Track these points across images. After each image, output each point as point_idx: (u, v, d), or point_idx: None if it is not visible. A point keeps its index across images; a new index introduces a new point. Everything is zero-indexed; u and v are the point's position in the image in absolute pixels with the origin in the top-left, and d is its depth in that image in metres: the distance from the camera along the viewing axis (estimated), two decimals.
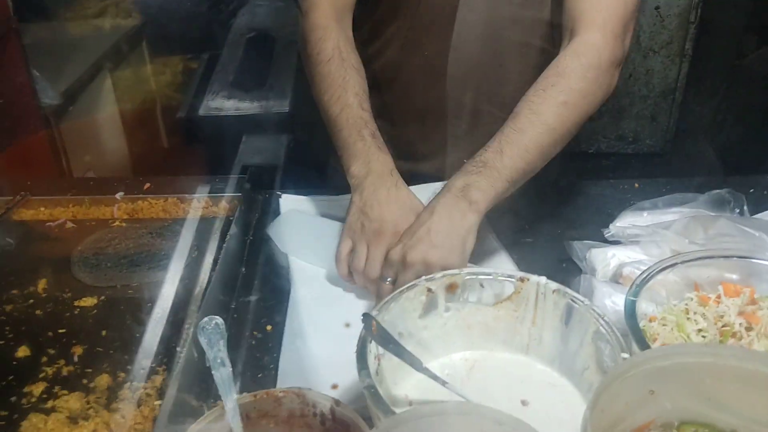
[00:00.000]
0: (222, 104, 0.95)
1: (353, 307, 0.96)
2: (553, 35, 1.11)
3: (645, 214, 1.07)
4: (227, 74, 1.09)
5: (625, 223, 1.06)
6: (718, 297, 0.83)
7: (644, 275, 0.81)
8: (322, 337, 0.90)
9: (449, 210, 0.89)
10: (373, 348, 0.74)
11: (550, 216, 1.16)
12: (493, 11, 1.10)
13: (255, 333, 0.92)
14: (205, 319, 0.78)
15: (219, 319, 0.76)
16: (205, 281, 0.94)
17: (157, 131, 1.36)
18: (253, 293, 0.99)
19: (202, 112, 0.95)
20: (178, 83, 1.45)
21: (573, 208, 1.19)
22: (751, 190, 1.17)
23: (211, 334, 0.74)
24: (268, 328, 0.93)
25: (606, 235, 1.06)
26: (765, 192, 1.19)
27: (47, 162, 1.46)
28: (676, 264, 0.83)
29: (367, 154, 0.97)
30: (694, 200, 1.08)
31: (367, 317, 0.74)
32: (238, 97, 0.95)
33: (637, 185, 1.24)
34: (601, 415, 0.59)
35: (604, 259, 0.99)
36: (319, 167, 1.20)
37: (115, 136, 1.41)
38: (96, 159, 1.40)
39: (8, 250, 1.05)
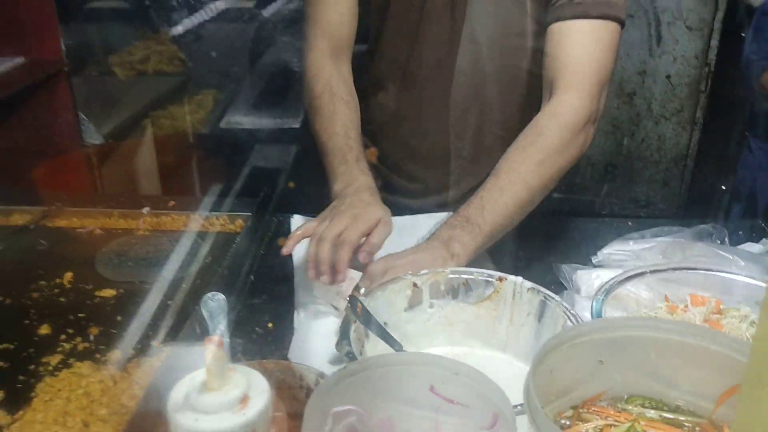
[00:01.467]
0: (241, 119, 1.06)
1: None
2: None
3: (631, 243, 1.13)
4: (249, 99, 1.21)
5: (611, 250, 1.13)
6: (686, 307, 0.88)
7: (612, 282, 0.87)
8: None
9: (433, 254, 0.95)
10: (359, 330, 0.81)
11: (545, 246, 1.22)
12: (487, 59, 1.21)
13: (257, 329, 1.00)
14: (209, 294, 0.86)
15: (221, 295, 0.84)
16: (215, 282, 1.02)
17: (185, 156, 1.49)
18: (258, 298, 1.07)
19: (222, 125, 1.06)
20: (209, 118, 1.59)
21: (566, 240, 1.25)
22: (740, 233, 1.23)
23: (213, 307, 0.82)
24: (270, 325, 1.00)
25: (594, 261, 1.13)
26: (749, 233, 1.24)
27: (83, 181, 1.59)
28: (644, 273, 0.89)
29: (349, 175, 1.06)
30: (679, 232, 1.14)
31: (353, 299, 0.81)
32: (255, 115, 1.06)
33: (630, 223, 1.30)
34: (549, 376, 0.65)
35: (589, 279, 1.05)
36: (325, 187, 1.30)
37: (147, 161, 1.54)
38: (129, 181, 1.54)
39: (40, 250, 1.15)
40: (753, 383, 0.42)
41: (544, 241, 1.24)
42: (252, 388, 0.53)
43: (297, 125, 1.02)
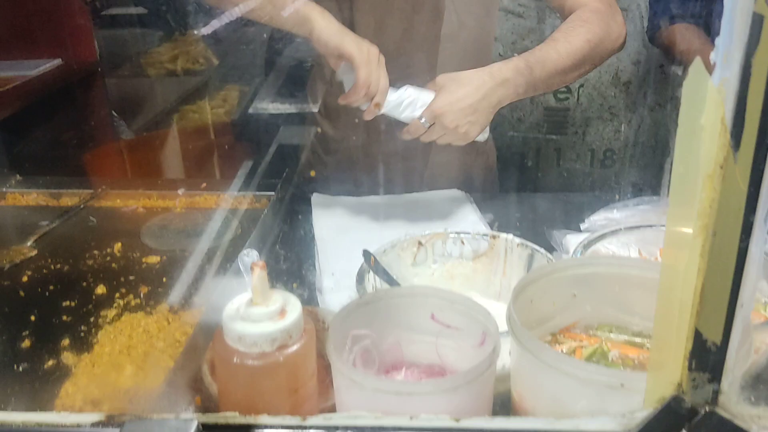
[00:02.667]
0: (267, 105, 1.20)
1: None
2: None
3: (615, 211, 1.26)
4: (272, 89, 1.35)
5: (598, 217, 1.26)
6: (656, 259, 1.01)
7: (589, 238, 1.01)
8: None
9: (486, 91, 1.14)
10: (371, 279, 0.95)
11: (542, 217, 1.36)
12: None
13: (284, 288, 1.14)
14: (245, 250, 1.01)
15: (255, 251, 0.99)
16: (245, 248, 1.16)
17: (213, 144, 1.63)
18: (283, 263, 1.21)
19: (251, 110, 1.20)
20: (233, 111, 1.74)
21: (560, 211, 1.39)
22: None
23: (248, 262, 0.97)
24: (294, 285, 1.14)
25: (581, 228, 1.26)
26: None
27: (123, 167, 1.74)
28: (619, 230, 1.02)
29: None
30: (658, 201, 1.27)
31: (366, 253, 0.95)
32: (280, 101, 1.20)
33: (617, 196, 1.43)
34: (530, 305, 0.78)
35: (576, 241, 1.18)
36: (343, 169, 1.44)
37: (179, 150, 1.69)
38: (165, 167, 1.70)
39: (91, 226, 1.30)
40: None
41: (541, 212, 1.38)
42: (288, 304, 0.67)
43: (315, 110, 1.16)
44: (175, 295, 1.03)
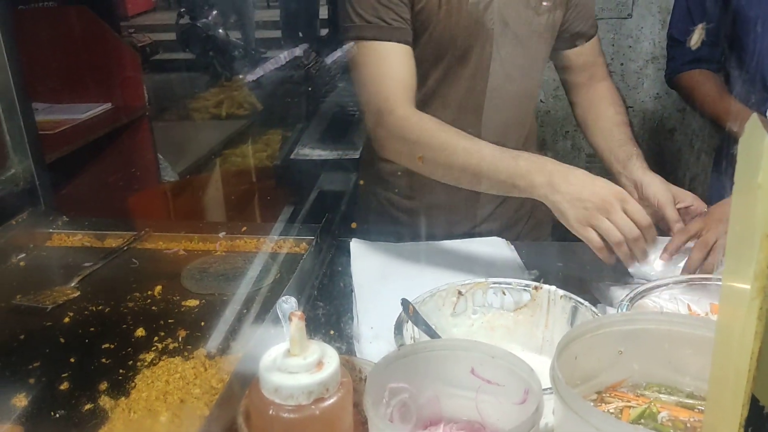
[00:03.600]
0: (308, 152, 1.21)
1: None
2: None
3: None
4: (314, 135, 1.37)
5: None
6: (707, 314, 0.97)
7: (635, 291, 0.98)
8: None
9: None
10: (410, 329, 0.94)
11: (584, 267, 1.33)
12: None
13: (319, 335, 1.13)
14: (284, 297, 0.99)
15: (293, 298, 0.98)
16: (283, 294, 1.16)
17: (255, 187, 1.65)
18: (321, 310, 1.20)
19: (293, 156, 1.21)
20: (275, 155, 1.76)
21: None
22: None
23: (286, 309, 0.96)
24: (331, 332, 1.13)
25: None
26: None
27: (167, 210, 1.77)
28: (668, 284, 0.99)
29: (526, 159, 1.13)
30: None
31: (405, 302, 0.94)
32: (321, 148, 1.21)
33: None
34: (575, 362, 0.75)
35: (621, 294, 1.15)
36: (384, 215, 1.44)
37: (221, 193, 1.72)
38: (207, 209, 1.72)
39: (133, 267, 1.31)
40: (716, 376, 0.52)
41: (586, 263, 1.35)
42: (325, 356, 0.66)
43: (356, 156, 1.16)
44: (213, 340, 1.03)
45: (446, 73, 1.31)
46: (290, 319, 0.63)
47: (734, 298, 0.48)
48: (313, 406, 0.62)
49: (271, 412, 0.62)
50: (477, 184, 1.16)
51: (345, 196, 1.41)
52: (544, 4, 1.31)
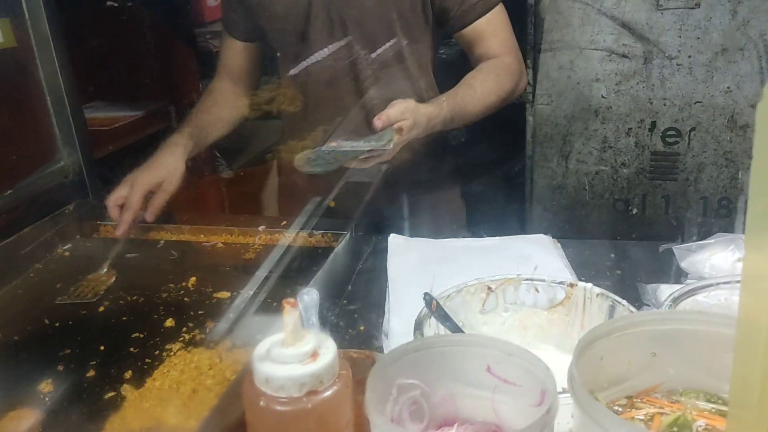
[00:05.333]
0: (340, 143, 1.19)
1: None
2: None
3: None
4: (349, 126, 1.35)
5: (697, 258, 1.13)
6: None
7: (679, 291, 0.90)
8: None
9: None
10: (432, 326, 0.89)
11: (635, 267, 1.25)
12: None
13: (350, 330, 1.10)
14: (305, 289, 0.97)
15: (315, 291, 0.95)
16: (317, 287, 1.14)
17: (293, 182, 1.65)
18: (354, 304, 1.17)
19: (324, 147, 1.19)
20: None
21: (660, 263, 1.27)
22: None
23: (307, 301, 0.93)
24: (362, 328, 1.10)
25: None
26: None
27: (214, 203, 1.79)
28: (717, 284, 0.91)
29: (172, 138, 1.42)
30: None
31: (428, 297, 0.89)
32: (353, 140, 1.19)
33: None
34: (600, 362, 0.69)
35: (670, 294, 1.06)
36: (417, 210, 1.41)
37: (266, 187, 1.72)
38: (252, 203, 1.75)
39: (171, 259, 1.32)
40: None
41: (639, 262, 1.27)
42: (321, 346, 0.62)
43: (389, 147, 1.13)
44: (233, 332, 1.01)
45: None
46: (283, 307, 0.60)
47: (757, 286, 0.42)
48: (305, 399, 0.59)
49: (261, 403, 0.59)
50: None
51: (378, 187, 1.39)
52: None
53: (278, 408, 0.59)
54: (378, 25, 1.42)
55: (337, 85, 1.47)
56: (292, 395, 0.59)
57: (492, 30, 1.45)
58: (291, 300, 0.61)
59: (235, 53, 1.63)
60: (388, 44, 1.42)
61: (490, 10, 1.44)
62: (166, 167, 1.37)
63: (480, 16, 1.43)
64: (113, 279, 1.22)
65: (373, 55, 1.43)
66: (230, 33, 1.61)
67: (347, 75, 1.46)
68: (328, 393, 0.60)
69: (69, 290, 1.21)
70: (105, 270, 1.24)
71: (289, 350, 0.60)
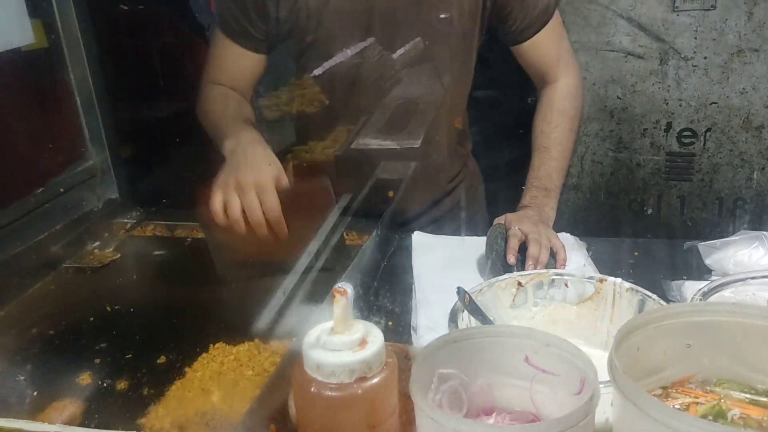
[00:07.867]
0: (368, 141, 1.20)
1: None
2: None
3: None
4: (376, 125, 1.37)
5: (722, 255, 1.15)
6: None
7: (708, 286, 0.91)
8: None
9: (536, 222, 1.20)
10: (465, 319, 0.91)
11: (657, 265, 1.26)
12: None
13: (377, 325, 1.11)
14: (339, 283, 0.99)
15: (349, 285, 0.97)
16: (339, 281, 1.16)
17: (321, 182, 1.66)
18: (380, 300, 1.19)
19: (353, 146, 1.21)
20: (340, 150, 1.77)
21: (680, 261, 1.28)
22: None
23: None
24: (390, 323, 1.12)
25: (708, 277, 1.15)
26: None
27: None
28: (745, 279, 0.92)
29: (238, 133, 1.24)
30: None
31: (461, 290, 0.91)
32: (381, 138, 1.20)
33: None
34: (636, 353, 0.71)
35: (695, 290, 1.08)
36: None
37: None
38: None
39: (198, 255, 1.34)
40: None
41: (660, 260, 1.28)
42: (369, 335, 0.64)
43: (417, 145, 1.15)
44: (268, 325, 1.03)
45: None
46: (334, 296, 0.62)
47: None
48: (355, 385, 0.61)
49: (312, 389, 0.61)
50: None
51: (404, 185, 1.41)
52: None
53: (329, 393, 0.61)
54: (436, 35, 1.38)
55: (379, 92, 1.46)
56: (343, 381, 0.61)
57: (550, 43, 1.42)
58: (341, 288, 0.63)
59: (242, 63, 1.52)
60: (449, 61, 1.41)
61: (549, 20, 1.39)
62: (276, 163, 1.18)
63: (540, 29, 1.39)
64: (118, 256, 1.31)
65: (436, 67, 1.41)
66: (243, 45, 1.47)
67: (386, 80, 1.44)
68: (376, 379, 0.62)
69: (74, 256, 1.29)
70: (111, 249, 1.30)
71: (339, 338, 0.62)
